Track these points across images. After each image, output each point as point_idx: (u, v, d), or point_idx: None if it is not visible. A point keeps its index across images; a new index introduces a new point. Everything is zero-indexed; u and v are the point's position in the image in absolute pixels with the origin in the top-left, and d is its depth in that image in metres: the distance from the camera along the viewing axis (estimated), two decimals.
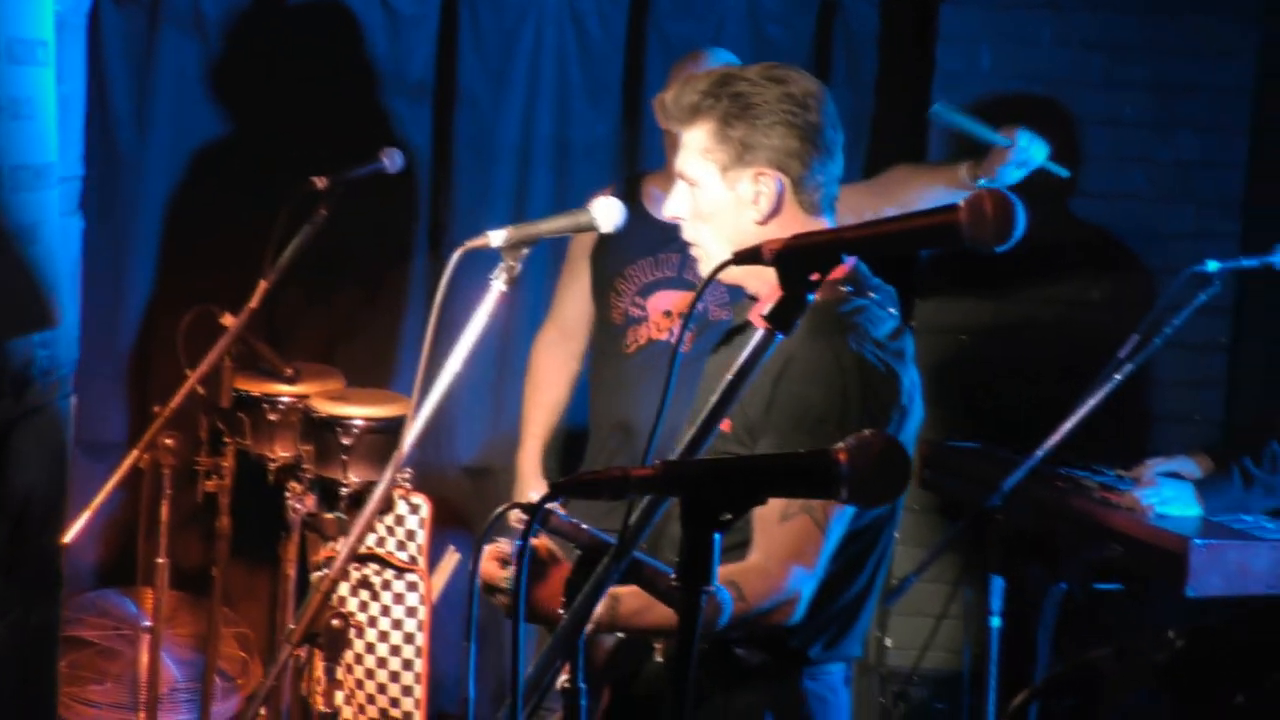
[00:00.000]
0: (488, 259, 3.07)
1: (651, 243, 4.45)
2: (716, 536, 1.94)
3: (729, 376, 2.26)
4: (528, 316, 5.13)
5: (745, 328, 3.03)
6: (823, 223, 2.97)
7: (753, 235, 2.90)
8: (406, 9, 5.29)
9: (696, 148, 2.96)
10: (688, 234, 3.03)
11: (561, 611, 2.62)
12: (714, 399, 2.27)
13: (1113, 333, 4.31)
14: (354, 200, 4.28)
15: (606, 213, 3.13)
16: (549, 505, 2.36)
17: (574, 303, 4.74)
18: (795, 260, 2.23)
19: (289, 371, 4.63)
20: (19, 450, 2.02)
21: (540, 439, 4.77)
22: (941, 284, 5.32)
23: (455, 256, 3.02)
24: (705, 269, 3.03)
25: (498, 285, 3.09)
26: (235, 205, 5.13)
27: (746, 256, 2.29)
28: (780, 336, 2.23)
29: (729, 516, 1.94)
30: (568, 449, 5.08)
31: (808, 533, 2.75)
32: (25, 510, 2.05)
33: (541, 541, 2.74)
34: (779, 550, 2.73)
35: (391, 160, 4.39)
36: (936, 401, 5.01)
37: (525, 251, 3.12)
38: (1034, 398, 5.04)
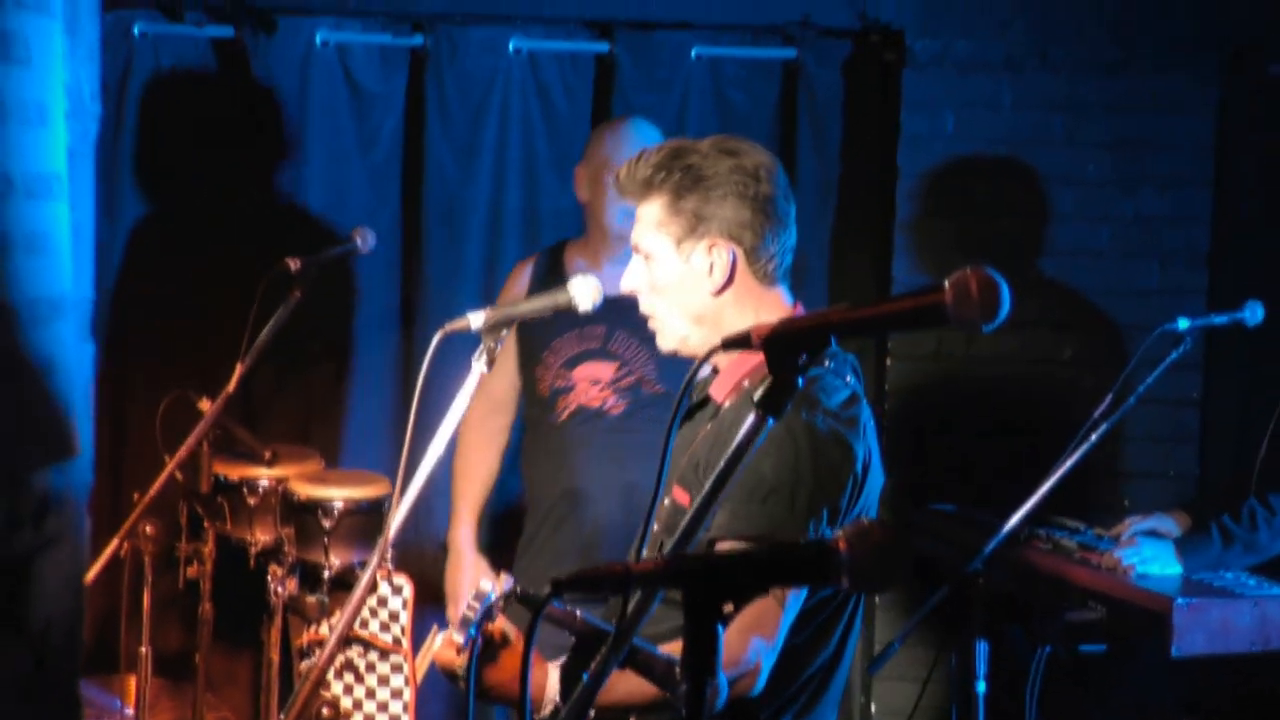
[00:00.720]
0: (458, 337, 3.09)
1: (577, 316, 4.44)
2: (719, 627, 1.95)
3: (721, 464, 2.26)
4: None
5: (706, 403, 3.05)
6: (778, 292, 3.01)
7: (709, 306, 2.96)
8: (373, 86, 5.29)
9: (650, 221, 2.99)
10: (644, 306, 3.06)
11: (558, 700, 2.63)
12: (707, 485, 2.27)
13: (1085, 389, 4.33)
14: (324, 276, 4.28)
15: (584, 292, 3.15)
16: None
17: (501, 375, 4.72)
18: (784, 345, 2.24)
19: (267, 454, 4.61)
20: (40, 581, 2.02)
21: (474, 514, 4.79)
22: (912, 347, 5.34)
23: (436, 340, 3.03)
24: (662, 342, 3.06)
25: (479, 367, 3.10)
26: (205, 287, 5.12)
27: (735, 342, 2.30)
28: (771, 422, 2.23)
29: (731, 608, 1.95)
30: (498, 523, 5.08)
31: (765, 605, 2.77)
32: (46, 639, 2.04)
33: (497, 625, 2.75)
34: (737, 622, 2.72)
35: (364, 240, 4.40)
36: (910, 464, 5.04)
37: (504, 333, 3.14)
38: (1009, 457, 5.05)
